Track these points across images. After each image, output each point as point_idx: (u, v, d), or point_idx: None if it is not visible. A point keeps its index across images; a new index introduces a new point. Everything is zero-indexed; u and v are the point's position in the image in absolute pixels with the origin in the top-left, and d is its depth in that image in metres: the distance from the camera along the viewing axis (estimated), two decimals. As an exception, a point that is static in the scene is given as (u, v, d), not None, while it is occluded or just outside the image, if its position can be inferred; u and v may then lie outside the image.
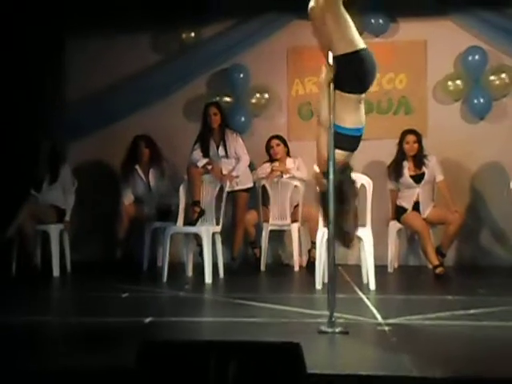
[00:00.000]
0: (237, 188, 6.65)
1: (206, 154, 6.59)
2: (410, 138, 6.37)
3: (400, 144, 6.40)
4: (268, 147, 6.85)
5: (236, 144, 6.68)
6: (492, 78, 6.91)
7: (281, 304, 4.52)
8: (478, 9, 6.85)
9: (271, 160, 6.86)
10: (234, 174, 6.58)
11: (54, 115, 7.22)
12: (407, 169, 6.38)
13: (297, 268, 6.60)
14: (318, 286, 5.34)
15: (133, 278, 5.98)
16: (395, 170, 6.39)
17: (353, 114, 3.71)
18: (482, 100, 6.91)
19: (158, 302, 5.02)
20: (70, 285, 6.22)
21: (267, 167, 6.84)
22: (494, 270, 6.47)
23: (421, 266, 6.79)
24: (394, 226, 6.51)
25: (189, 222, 6.11)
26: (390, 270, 6.40)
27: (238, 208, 6.80)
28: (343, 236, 3.85)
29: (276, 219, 6.74)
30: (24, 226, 6.25)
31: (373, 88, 6.95)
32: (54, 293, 5.78)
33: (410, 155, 6.38)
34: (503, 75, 6.88)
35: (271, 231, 6.74)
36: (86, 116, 7.30)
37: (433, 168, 6.39)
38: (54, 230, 6.39)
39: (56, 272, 6.27)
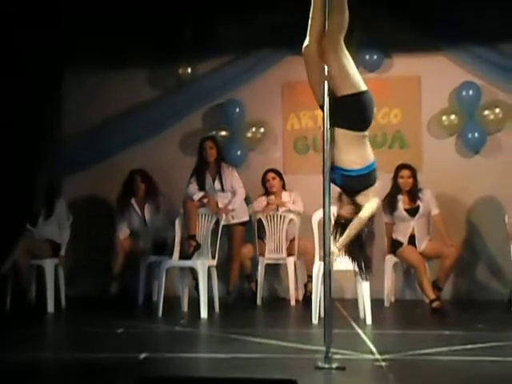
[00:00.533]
0: (233, 221, 6.65)
1: (201, 187, 6.60)
2: (405, 172, 6.40)
3: (395, 178, 6.42)
4: (264, 180, 6.87)
5: (232, 178, 6.70)
6: (486, 112, 6.96)
7: (277, 339, 4.49)
8: (470, 45, 6.93)
9: (267, 193, 6.87)
10: (230, 207, 6.58)
11: (51, 150, 7.24)
12: (402, 202, 6.39)
13: (293, 302, 6.57)
14: (315, 320, 5.32)
15: (128, 313, 5.94)
16: (390, 204, 6.40)
17: (362, 151, 3.77)
18: (476, 134, 6.96)
19: (153, 337, 4.98)
20: (65, 320, 6.16)
21: (263, 201, 6.85)
22: (491, 305, 6.44)
23: (417, 299, 6.76)
24: (390, 259, 6.49)
25: (184, 255, 6.09)
26: (386, 304, 6.38)
27: (234, 241, 6.78)
28: (366, 268, 3.87)
29: (272, 253, 6.73)
30: (19, 261, 6.23)
31: (368, 122, 7.15)
32: (49, 329, 5.72)
33: (404, 190, 6.40)
34: (497, 110, 6.94)
35: (267, 265, 6.72)
36: (82, 150, 7.32)
37: (428, 201, 6.41)
38: (48, 264, 6.34)
39: (50, 308, 6.21)
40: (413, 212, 6.36)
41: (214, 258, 6.11)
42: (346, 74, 3.65)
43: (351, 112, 3.65)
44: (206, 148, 6.65)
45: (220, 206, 6.52)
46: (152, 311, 5.97)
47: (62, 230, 6.57)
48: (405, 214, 6.35)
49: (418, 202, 6.38)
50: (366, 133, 3.80)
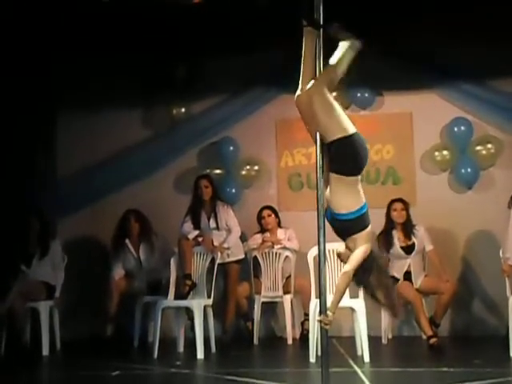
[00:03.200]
0: (228, 260, 6.62)
1: (197, 226, 6.59)
2: (397, 205, 6.43)
3: (388, 213, 6.44)
4: (259, 218, 6.87)
5: (227, 216, 6.69)
6: (478, 148, 7.01)
7: (274, 380, 4.45)
8: (461, 82, 7.01)
9: (262, 231, 6.87)
10: (226, 245, 6.56)
11: (45, 191, 7.24)
12: (397, 239, 6.40)
13: (290, 341, 6.52)
14: (312, 359, 5.28)
15: (124, 355, 5.89)
16: (385, 241, 6.40)
17: (353, 196, 3.70)
18: (469, 170, 7.00)
19: (149, 379, 4.92)
20: (60, 364, 6.05)
21: (258, 238, 6.85)
22: (488, 340, 6.40)
23: (415, 336, 6.73)
24: (387, 296, 6.47)
25: (180, 295, 6.06)
26: (384, 341, 6.34)
27: (230, 280, 6.74)
28: (391, 308, 3.84)
29: (268, 291, 6.70)
30: (14, 303, 6.15)
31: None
32: (44, 373, 5.63)
33: (398, 223, 6.41)
34: (489, 145, 6.98)
35: (263, 303, 6.69)
36: (76, 191, 7.32)
37: (422, 238, 6.41)
38: (43, 307, 6.27)
39: (45, 351, 6.14)
40: (408, 250, 6.36)
41: (209, 297, 6.07)
42: (332, 119, 3.62)
43: (341, 157, 3.61)
44: (201, 186, 6.66)
45: (215, 244, 6.51)
46: (148, 352, 5.91)
47: (56, 271, 6.52)
48: (401, 251, 6.35)
49: (413, 239, 6.38)
50: (359, 177, 3.76)
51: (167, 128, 7.60)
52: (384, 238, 6.39)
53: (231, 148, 7.41)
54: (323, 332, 3.71)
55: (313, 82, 3.66)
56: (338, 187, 3.66)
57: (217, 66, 7.18)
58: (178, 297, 6.07)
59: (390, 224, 6.42)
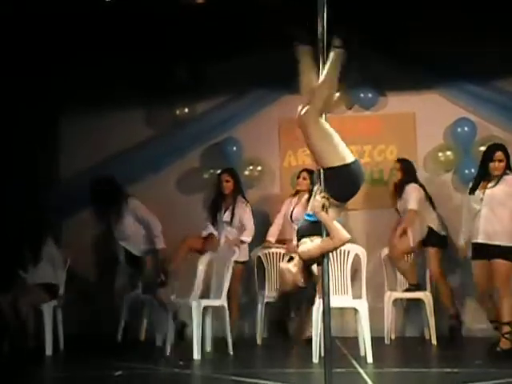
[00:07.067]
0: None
1: (213, 219, 6.62)
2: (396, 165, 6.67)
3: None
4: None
5: (243, 213, 6.64)
6: (482, 148, 6.96)
7: (277, 380, 4.45)
8: (464, 82, 7.01)
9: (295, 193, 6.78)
10: (244, 238, 6.52)
11: (47, 191, 7.26)
12: None
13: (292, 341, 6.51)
14: (315, 359, 5.28)
15: (128, 354, 5.89)
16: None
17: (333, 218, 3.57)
18: (472, 170, 6.97)
19: (152, 379, 4.92)
20: (64, 364, 6.01)
21: (275, 232, 6.80)
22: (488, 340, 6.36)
23: (418, 336, 6.73)
24: (390, 296, 6.47)
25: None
26: (386, 341, 6.34)
27: (233, 280, 6.70)
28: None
29: (272, 291, 6.68)
30: (18, 306, 6.14)
31: (364, 159, 7.20)
32: (47, 373, 5.59)
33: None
34: (493, 146, 6.97)
35: (267, 303, 6.66)
36: (80, 192, 7.31)
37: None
38: (46, 307, 6.25)
39: (49, 351, 6.13)
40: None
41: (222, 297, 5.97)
42: (329, 147, 3.51)
43: (334, 183, 3.52)
44: (222, 180, 6.69)
45: (226, 239, 6.53)
46: (154, 351, 5.93)
47: (56, 271, 6.42)
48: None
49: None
50: (345, 205, 3.65)
51: (170, 128, 7.60)
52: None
53: (234, 148, 7.41)
54: (326, 332, 3.70)
55: (306, 108, 3.54)
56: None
57: (220, 67, 7.17)
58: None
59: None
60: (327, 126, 3.54)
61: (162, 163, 7.51)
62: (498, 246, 5.50)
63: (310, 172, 6.60)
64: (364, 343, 5.40)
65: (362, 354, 5.44)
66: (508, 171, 5.64)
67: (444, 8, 6.36)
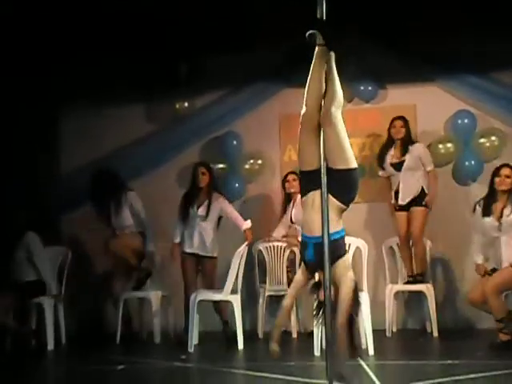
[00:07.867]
0: (208, 254, 6.47)
1: (185, 215, 6.48)
2: (397, 122, 6.70)
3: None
4: (284, 182, 6.77)
5: (226, 206, 6.48)
6: (482, 140, 7.00)
7: (278, 373, 4.46)
8: (464, 74, 6.99)
9: (286, 197, 6.75)
10: (244, 227, 6.37)
11: (48, 187, 7.27)
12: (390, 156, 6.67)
13: (295, 334, 6.52)
14: (317, 352, 5.30)
15: (130, 349, 5.89)
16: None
17: (336, 220, 3.73)
18: (473, 162, 6.99)
19: (153, 373, 4.93)
20: (65, 358, 6.02)
21: (282, 230, 6.76)
22: (489, 332, 6.37)
23: (419, 329, 6.74)
24: (391, 289, 6.48)
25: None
26: (388, 334, 6.35)
27: (210, 275, 6.55)
28: (353, 349, 3.80)
29: (273, 284, 6.70)
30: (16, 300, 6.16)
31: (365, 152, 7.21)
32: (50, 368, 5.63)
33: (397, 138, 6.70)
34: (493, 138, 6.97)
35: (268, 296, 6.67)
36: (80, 187, 7.31)
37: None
38: (47, 302, 6.26)
39: (50, 345, 6.15)
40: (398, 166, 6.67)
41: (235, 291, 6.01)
42: (339, 148, 3.70)
43: (338, 185, 3.69)
44: (198, 173, 6.54)
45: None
46: (153, 346, 5.91)
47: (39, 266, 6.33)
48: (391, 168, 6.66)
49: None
50: (346, 208, 3.79)
51: (170, 123, 7.59)
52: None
53: (234, 142, 7.41)
54: (327, 325, 3.71)
55: (324, 107, 3.69)
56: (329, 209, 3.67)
57: (220, 61, 7.15)
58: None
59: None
60: (343, 126, 3.72)
61: (161, 158, 7.50)
62: None
63: (296, 174, 6.67)
64: (365, 336, 5.41)
65: (364, 346, 5.45)
66: None
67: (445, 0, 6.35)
